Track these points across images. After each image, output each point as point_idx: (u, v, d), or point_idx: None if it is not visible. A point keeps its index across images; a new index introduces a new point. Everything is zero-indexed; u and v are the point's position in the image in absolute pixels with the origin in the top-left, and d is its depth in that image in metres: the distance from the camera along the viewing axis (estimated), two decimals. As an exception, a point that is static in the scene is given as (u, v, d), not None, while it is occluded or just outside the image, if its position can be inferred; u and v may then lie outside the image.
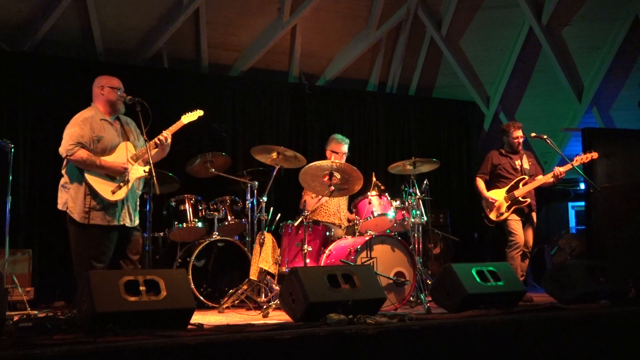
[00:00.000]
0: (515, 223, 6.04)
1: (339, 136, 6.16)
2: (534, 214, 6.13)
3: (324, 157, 6.09)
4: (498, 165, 6.22)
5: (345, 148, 6.09)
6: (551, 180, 6.03)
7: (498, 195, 6.12)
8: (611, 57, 8.65)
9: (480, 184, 6.26)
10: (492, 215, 6.10)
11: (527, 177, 6.11)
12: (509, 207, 6.04)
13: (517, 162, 6.20)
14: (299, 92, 8.37)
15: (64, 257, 5.42)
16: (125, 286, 3.26)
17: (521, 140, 6.23)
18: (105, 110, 4.54)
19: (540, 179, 6.05)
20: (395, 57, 8.93)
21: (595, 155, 6.14)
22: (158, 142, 4.59)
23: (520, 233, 6.00)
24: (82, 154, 4.32)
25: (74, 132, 4.36)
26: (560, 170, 5.98)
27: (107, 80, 4.57)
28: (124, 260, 4.48)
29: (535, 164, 6.32)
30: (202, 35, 7.77)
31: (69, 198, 4.36)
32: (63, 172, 4.45)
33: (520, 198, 6.02)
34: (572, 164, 6.02)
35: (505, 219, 6.05)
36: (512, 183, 6.11)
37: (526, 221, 6.09)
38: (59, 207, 4.41)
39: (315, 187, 5.59)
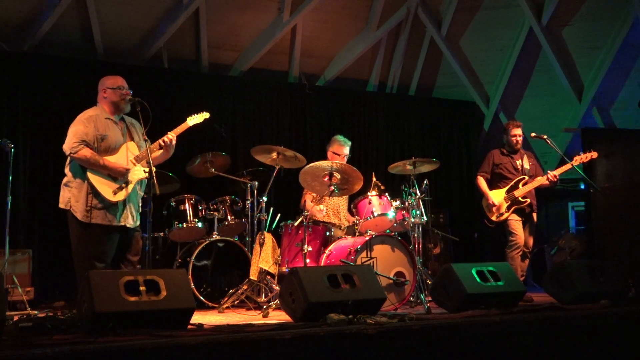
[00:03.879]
0: (516, 223, 6.02)
1: (341, 138, 6.14)
2: (534, 214, 6.12)
3: (324, 157, 6.09)
4: (499, 165, 6.20)
5: (347, 150, 6.08)
6: (547, 183, 6.03)
7: (498, 195, 6.11)
8: (611, 57, 8.65)
9: (482, 183, 6.23)
10: (493, 216, 6.09)
11: (527, 177, 6.09)
12: (509, 207, 6.03)
13: (518, 162, 6.19)
14: (299, 92, 8.37)
15: (64, 257, 5.42)
16: (125, 286, 3.25)
17: (519, 139, 6.20)
18: (109, 111, 4.54)
19: (539, 180, 6.03)
20: (395, 57, 8.93)
21: (594, 154, 6.11)
22: (163, 143, 4.59)
23: (521, 233, 6.00)
24: (86, 152, 4.31)
25: (79, 130, 4.36)
26: (553, 174, 5.97)
27: (109, 81, 4.56)
28: (123, 263, 4.48)
29: (536, 164, 6.30)
30: (202, 35, 7.77)
31: (71, 196, 4.35)
32: (66, 170, 4.44)
33: (520, 198, 6.01)
34: (571, 164, 6.01)
35: (506, 219, 6.04)
36: (512, 183, 6.09)
37: (526, 221, 6.08)
38: (61, 205, 4.40)
39: (315, 187, 5.59)
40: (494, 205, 6.07)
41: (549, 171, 6.04)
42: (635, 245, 6.16)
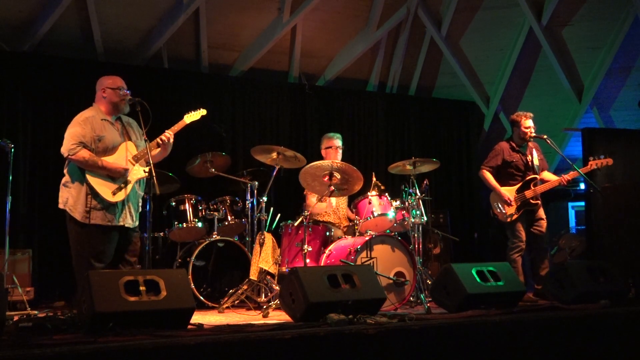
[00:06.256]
0: (522, 225, 5.87)
1: (329, 133, 6.21)
2: (541, 210, 5.97)
3: (323, 158, 6.10)
4: (510, 163, 5.96)
5: (338, 142, 6.08)
6: (557, 184, 5.92)
7: (509, 194, 5.88)
8: (611, 57, 8.65)
9: (491, 177, 5.95)
10: (501, 217, 5.90)
11: (538, 177, 5.92)
12: (518, 209, 5.85)
13: (529, 158, 5.97)
14: (299, 92, 8.37)
15: (64, 257, 5.42)
16: (125, 286, 3.26)
17: (533, 130, 5.95)
18: (106, 111, 4.54)
19: (552, 183, 5.87)
20: (395, 57, 8.93)
21: (610, 161, 5.89)
22: (160, 142, 4.59)
23: (524, 236, 5.87)
24: (84, 153, 4.32)
25: (76, 132, 4.36)
26: (566, 178, 5.84)
27: (109, 81, 4.56)
28: (122, 264, 4.49)
29: (543, 158, 6.14)
30: (202, 35, 7.77)
31: (69, 197, 4.36)
32: (65, 170, 4.46)
33: (531, 201, 5.86)
34: (579, 172, 5.85)
35: (514, 221, 5.86)
36: (523, 183, 5.91)
37: (537, 217, 5.94)
38: (60, 205, 4.41)
39: (315, 187, 5.59)
40: (509, 199, 5.82)
41: (563, 175, 5.92)
42: (635, 245, 6.16)
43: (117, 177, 4.41)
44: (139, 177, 4.52)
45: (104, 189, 4.34)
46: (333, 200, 5.86)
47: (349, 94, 8.74)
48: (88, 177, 4.33)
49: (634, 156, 8.15)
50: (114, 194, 4.36)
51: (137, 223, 4.58)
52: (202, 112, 4.95)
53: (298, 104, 8.33)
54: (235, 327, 3.59)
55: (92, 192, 4.32)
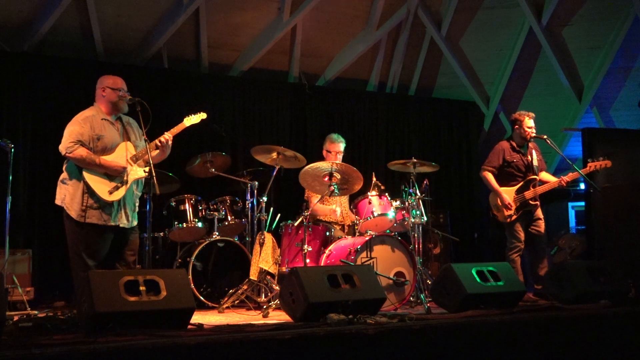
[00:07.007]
0: (521, 226, 5.89)
1: (334, 135, 6.16)
2: (539, 210, 6.00)
3: (323, 157, 6.10)
4: (511, 163, 5.97)
5: (340, 147, 6.05)
6: (557, 185, 5.93)
7: (508, 194, 5.91)
8: (611, 57, 8.65)
9: (492, 179, 5.97)
10: (500, 217, 5.94)
11: (537, 178, 5.93)
12: (517, 210, 5.87)
13: (529, 158, 5.98)
14: (299, 92, 8.36)
15: (64, 257, 5.41)
16: (125, 286, 3.26)
17: (534, 131, 5.97)
18: (106, 111, 4.55)
19: (551, 184, 5.89)
20: (395, 57, 8.93)
21: (609, 163, 5.92)
22: (159, 143, 4.60)
23: (522, 236, 5.88)
24: (82, 152, 4.34)
25: (74, 130, 4.39)
26: (565, 179, 5.85)
27: (109, 81, 4.57)
28: (119, 263, 4.49)
29: (542, 159, 6.15)
30: (202, 35, 7.77)
31: (66, 194, 4.39)
32: (63, 168, 4.48)
33: (530, 201, 5.87)
34: (579, 172, 5.88)
35: (513, 222, 5.89)
36: (522, 183, 5.92)
37: (535, 217, 5.96)
38: (57, 202, 4.44)
39: (315, 187, 5.60)
40: (509, 204, 5.86)
41: (562, 176, 5.93)
42: (635, 245, 6.16)
43: (115, 175, 4.42)
44: (137, 178, 4.53)
45: (101, 186, 4.35)
46: (337, 209, 5.85)
47: (349, 94, 8.73)
48: (85, 174, 4.34)
49: (634, 156, 8.14)
50: (110, 193, 4.37)
51: (134, 222, 4.58)
52: (202, 115, 4.95)
53: (298, 104, 8.32)
54: (235, 327, 3.60)
55: (89, 191, 4.33)
